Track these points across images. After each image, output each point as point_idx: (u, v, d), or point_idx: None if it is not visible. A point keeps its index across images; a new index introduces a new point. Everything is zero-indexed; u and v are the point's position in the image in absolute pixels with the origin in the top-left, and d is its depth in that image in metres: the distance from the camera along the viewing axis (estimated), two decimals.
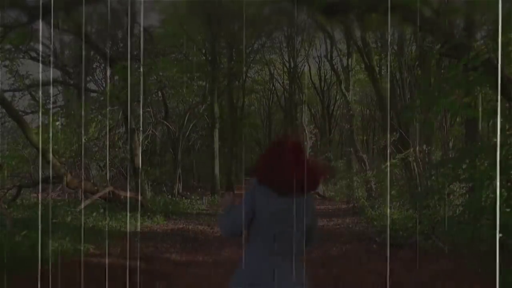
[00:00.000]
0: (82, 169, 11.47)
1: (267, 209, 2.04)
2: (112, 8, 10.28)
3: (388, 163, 10.81)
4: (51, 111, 12.09)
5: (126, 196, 10.23)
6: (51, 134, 9.77)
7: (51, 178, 9.18)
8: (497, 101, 4.31)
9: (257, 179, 2.09)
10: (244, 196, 2.10)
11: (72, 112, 12.83)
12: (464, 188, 6.81)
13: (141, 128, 12.33)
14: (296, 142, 2.12)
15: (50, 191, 10.65)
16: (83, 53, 14.41)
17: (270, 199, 2.04)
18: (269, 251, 2.05)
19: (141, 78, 11.26)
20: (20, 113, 11.11)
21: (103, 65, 15.41)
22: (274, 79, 27.43)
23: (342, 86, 16.28)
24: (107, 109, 13.02)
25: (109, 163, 13.31)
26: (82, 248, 6.26)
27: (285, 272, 2.02)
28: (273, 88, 27.98)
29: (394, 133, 11.01)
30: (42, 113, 11.70)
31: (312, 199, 2.20)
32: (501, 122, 4.42)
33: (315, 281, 4.93)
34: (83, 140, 12.10)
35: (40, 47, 11.60)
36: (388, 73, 12.37)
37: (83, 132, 11.45)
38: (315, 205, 2.24)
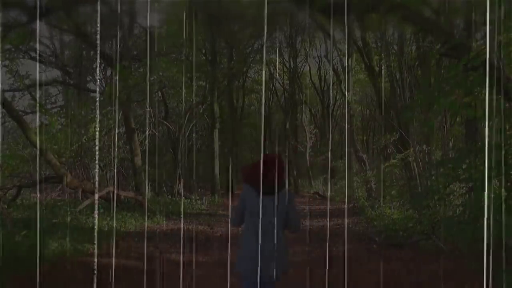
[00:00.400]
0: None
1: (251, 203, 2.81)
2: (112, 9, 10.25)
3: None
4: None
5: (126, 196, 10.23)
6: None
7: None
8: (496, 100, 4.31)
9: (245, 183, 2.91)
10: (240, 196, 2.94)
11: (72, 112, 12.82)
12: (464, 188, 6.80)
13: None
14: (272, 158, 2.87)
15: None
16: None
17: (254, 196, 2.81)
18: (258, 233, 2.76)
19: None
20: (20, 113, 11.10)
21: (103, 65, 15.38)
22: (274, 79, 27.40)
23: (342, 86, 16.26)
24: (107, 108, 12.99)
25: (109, 163, 13.29)
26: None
27: (271, 249, 2.74)
28: (273, 88, 27.94)
29: (394, 133, 11.00)
30: (42, 113, 11.70)
31: (288, 196, 2.87)
32: (501, 122, 4.41)
33: (315, 282, 4.94)
34: (83, 140, 12.11)
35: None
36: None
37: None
38: (292, 200, 2.91)
